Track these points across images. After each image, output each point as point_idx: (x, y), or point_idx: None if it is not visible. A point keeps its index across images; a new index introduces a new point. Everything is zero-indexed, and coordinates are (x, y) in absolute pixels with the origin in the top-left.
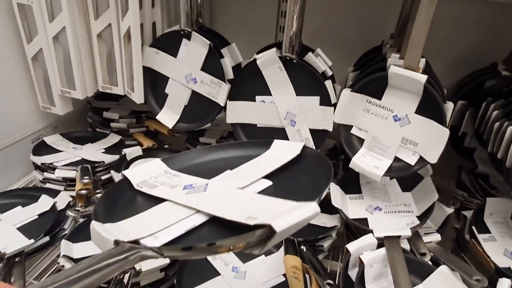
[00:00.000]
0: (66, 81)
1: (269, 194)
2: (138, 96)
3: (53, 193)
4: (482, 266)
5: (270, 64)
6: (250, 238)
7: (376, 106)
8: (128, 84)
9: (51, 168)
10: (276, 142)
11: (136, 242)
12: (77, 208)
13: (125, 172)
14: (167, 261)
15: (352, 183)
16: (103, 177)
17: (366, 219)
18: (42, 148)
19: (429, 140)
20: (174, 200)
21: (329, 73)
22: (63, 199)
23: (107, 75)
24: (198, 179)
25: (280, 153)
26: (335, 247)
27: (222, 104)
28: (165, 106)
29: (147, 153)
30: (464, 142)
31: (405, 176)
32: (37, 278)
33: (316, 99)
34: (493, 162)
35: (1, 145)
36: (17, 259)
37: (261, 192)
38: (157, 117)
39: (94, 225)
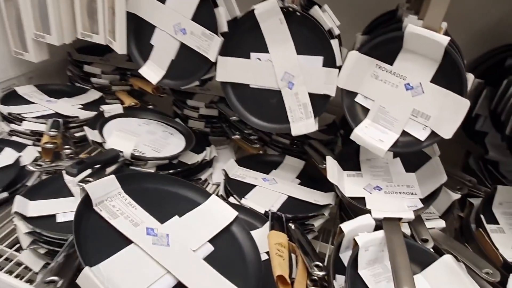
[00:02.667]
0: (40, 24)
1: (213, 264)
2: (119, 46)
3: (19, 147)
4: (487, 259)
5: (269, 15)
6: None
7: (387, 72)
8: (110, 32)
9: (18, 119)
10: (213, 199)
11: None
12: (40, 163)
13: (86, 187)
14: None
15: (350, 159)
16: (77, 134)
17: (363, 198)
18: (12, 98)
19: (444, 113)
20: (143, 247)
21: (336, 32)
22: (29, 154)
23: (87, 21)
24: (157, 223)
25: (217, 212)
26: (325, 230)
27: (213, 60)
28: (150, 59)
29: (128, 112)
30: (476, 125)
31: (411, 153)
32: None
33: (319, 59)
34: (510, 146)
35: None
36: None
37: (206, 259)
38: (140, 71)
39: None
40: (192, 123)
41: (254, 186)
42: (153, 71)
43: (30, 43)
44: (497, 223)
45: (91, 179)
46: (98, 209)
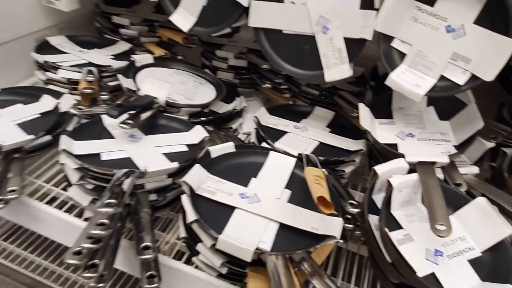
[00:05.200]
0: None
1: (296, 203)
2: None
3: (57, 95)
4: None
5: None
6: None
7: (427, 13)
8: None
9: (54, 67)
10: (273, 154)
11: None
12: (81, 107)
13: (187, 180)
14: (175, 165)
15: (382, 108)
16: (111, 84)
17: (395, 145)
18: (45, 48)
19: (487, 56)
20: (244, 208)
21: None
22: (67, 101)
23: None
24: (244, 188)
25: (280, 163)
26: (353, 178)
27: (245, 5)
28: (180, 6)
29: (159, 62)
30: None
31: (447, 98)
32: (38, 177)
33: (356, 0)
34: None
35: (1, 39)
36: (16, 155)
37: (289, 201)
38: (170, 18)
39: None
40: (221, 74)
41: (285, 132)
42: (184, 18)
43: None
44: None
45: (130, 121)
46: (200, 192)
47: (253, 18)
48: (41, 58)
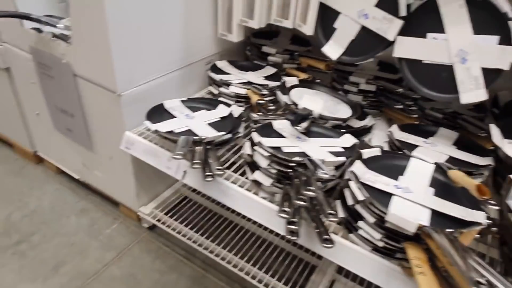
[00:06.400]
0: (246, 11)
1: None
2: (309, 28)
3: (227, 105)
4: None
5: (451, 1)
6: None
7: None
8: (300, 17)
9: (226, 84)
10: (414, 160)
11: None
12: (258, 114)
13: (353, 170)
14: (342, 159)
15: (509, 130)
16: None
17: None
18: (215, 69)
19: None
20: (401, 195)
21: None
22: (236, 110)
23: (280, 9)
24: (396, 182)
25: (421, 166)
26: None
27: (391, 39)
28: (332, 40)
29: (302, 84)
30: None
31: None
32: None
33: (495, 38)
34: None
35: (188, 62)
36: (210, 146)
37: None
38: (322, 49)
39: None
40: (351, 96)
41: (417, 146)
42: (333, 49)
43: (235, 27)
44: None
45: (305, 124)
46: (363, 181)
47: (398, 50)
48: (217, 77)
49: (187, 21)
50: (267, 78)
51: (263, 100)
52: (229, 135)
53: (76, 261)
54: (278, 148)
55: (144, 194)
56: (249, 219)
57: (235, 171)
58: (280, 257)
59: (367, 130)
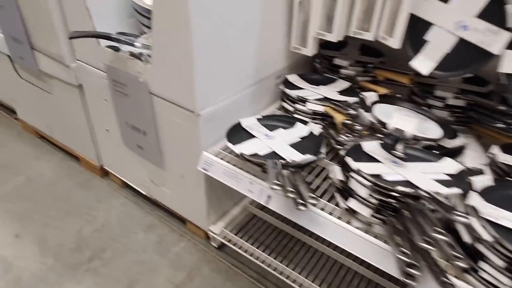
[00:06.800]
0: (324, 24)
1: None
2: (396, 41)
3: (304, 123)
4: None
5: None
6: None
7: None
8: (385, 29)
9: (302, 101)
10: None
11: None
12: (346, 135)
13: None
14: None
15: None
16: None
17: None
18: (287, 84)
19: None
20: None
21: None
22: (315, 129)
23: (361, 21)
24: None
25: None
26: None
27: (496, 53)
28: (422, 53)
29: (382, 99)
30: None
31: None
32: None
33: None
34: None
35: (261, 77)
36: (294, 169)
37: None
38: (411, 63)
39: None
40: (436, 112)
41: None
42: (423, 63)
43: (311, 40)
44: None
45: (401, 147)
46: (487, 217)
47: (507, 65)
48: (293, 93)
49: (263, 35)
50: (341, 93)
51: (350, 119)
52: (314, 157)
53: (148, 280)
54: (377, 176)
55: (213, 212)
56: (323, 241)
57: (320, 196)
58: (360, 284)
59: (459, 150)
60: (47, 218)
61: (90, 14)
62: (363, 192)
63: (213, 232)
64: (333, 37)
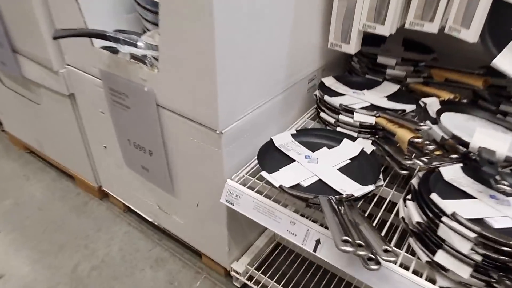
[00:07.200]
0: (374, 14)
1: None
2: (472, 34)
3: (351, 138)
4: None
5: None
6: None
7: None
8: (456, 19)
9: (347, 110)
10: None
11: None
12: (423, 158)
13: None
14: None
15: None
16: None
17: None
18: (324, 90)
19: None
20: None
21: None
22: (367, 146)
23: (421, 9)
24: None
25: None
26: None
27: None
28: (508, 48)
29: (446, 106)
30: None
31: None
32: None
33: None
34: None
35: (292, 82)
36: (350, 202)
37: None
38: (494, 62)
39: None
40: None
41: None
42: (510, 62)
43: (355, 34)
44: None
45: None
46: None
47: None
48: (335, 100)
49: (295, 32)
50: (390, 98)
51: (420, 137)
52: (373, 187)
53: None
54: (479, 220)
55: (236, 246)
56: None
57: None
58: None
59: None
60: (37, 253)
61: (80, 8)
62: (462, 245)
63: (235, 271)
64: (386, 29)
